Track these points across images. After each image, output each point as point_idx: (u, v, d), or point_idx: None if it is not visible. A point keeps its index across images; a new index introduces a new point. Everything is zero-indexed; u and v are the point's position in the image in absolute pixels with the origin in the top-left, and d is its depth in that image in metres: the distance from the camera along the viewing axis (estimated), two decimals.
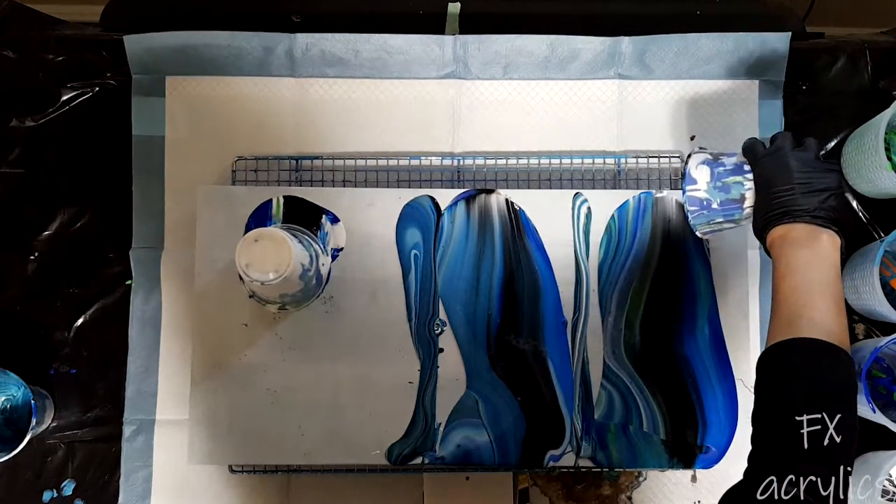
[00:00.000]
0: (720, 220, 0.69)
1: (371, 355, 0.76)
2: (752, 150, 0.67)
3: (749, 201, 0.67)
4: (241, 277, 0.69)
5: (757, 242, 0.80)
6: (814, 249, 0.60)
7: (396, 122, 0.82)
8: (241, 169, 0.81)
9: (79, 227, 0.81)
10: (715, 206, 0.68)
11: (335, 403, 0.75)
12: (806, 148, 0.64)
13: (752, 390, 0.60)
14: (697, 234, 0.71)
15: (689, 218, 0.70)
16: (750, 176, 0.67)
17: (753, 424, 0.57)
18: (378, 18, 0.84)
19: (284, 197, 0.77)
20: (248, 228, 0.76)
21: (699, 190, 0.69)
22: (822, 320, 0.57)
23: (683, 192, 0.69)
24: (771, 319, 0.60)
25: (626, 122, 0.83)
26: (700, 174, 0.69)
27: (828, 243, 0.61)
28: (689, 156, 0.70)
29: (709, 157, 0.69)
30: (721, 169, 0.68)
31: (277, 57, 0.81)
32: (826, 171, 0.63)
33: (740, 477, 0.54)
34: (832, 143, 0.84)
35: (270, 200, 0.77)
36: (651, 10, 0.88)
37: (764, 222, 0.64)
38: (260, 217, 0.77)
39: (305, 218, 0.77)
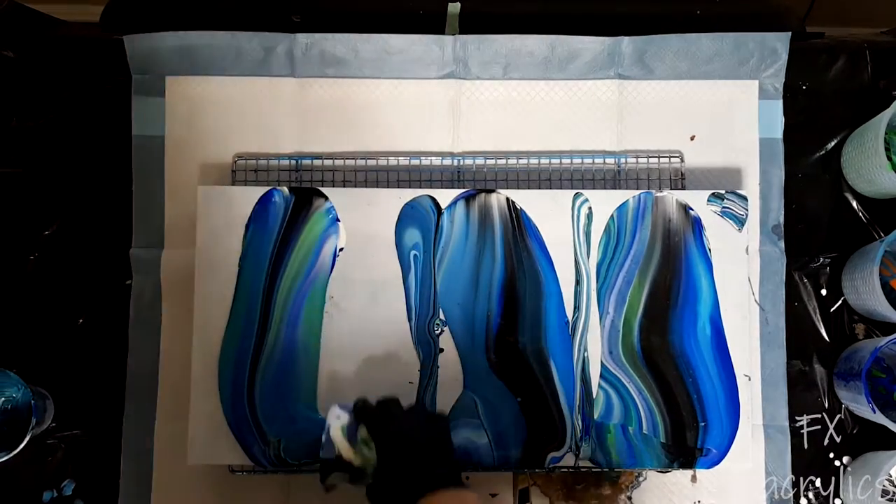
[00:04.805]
0: None
1: (371, 355, 0.76)
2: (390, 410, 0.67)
3: None
4: None
5: (757, 243, 0.81)
6: None
7: (396, 122, 0.82)
8: (241, 169, 0.81)
9: (79, 227, 0.81)
10: None
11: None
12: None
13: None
14: None
15: None
16: None
17: None
18: (378, 18, 0.84)
19: (289, 188, 0.77)
20: (247, 229, 0.76)
21: None
22: None
23: None
24: None
25: (625, 121, 0.83)
26: None
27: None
28: None
29: None
30: None
31: (277, 57, 0.81)
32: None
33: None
34: (832, 143, 0.84)
35: (272, 190, 0.76)
36: (651, 10, 0.88)
37: (410, 490, 0.60)
38: (260, 216, 0.76)
39: None
